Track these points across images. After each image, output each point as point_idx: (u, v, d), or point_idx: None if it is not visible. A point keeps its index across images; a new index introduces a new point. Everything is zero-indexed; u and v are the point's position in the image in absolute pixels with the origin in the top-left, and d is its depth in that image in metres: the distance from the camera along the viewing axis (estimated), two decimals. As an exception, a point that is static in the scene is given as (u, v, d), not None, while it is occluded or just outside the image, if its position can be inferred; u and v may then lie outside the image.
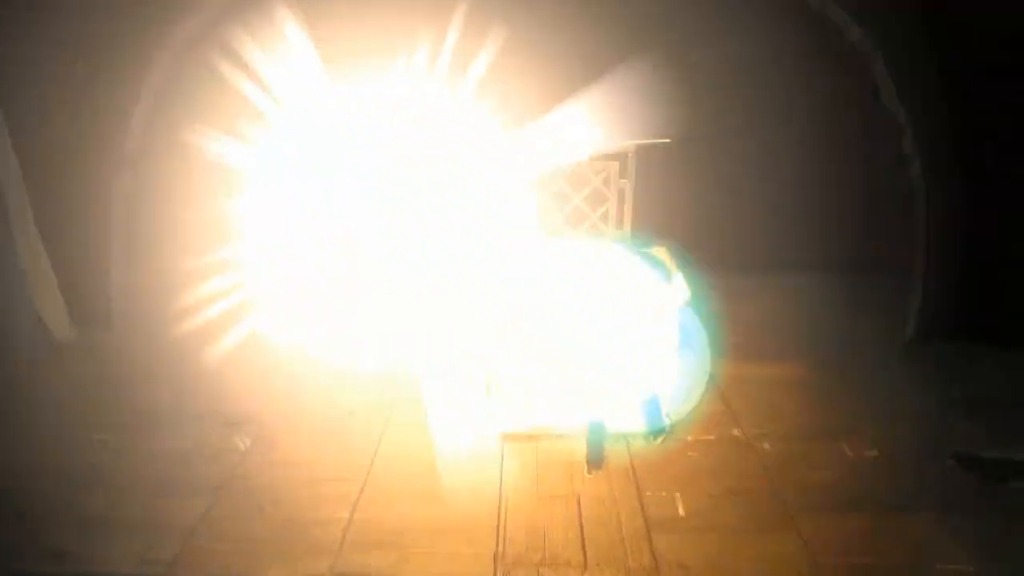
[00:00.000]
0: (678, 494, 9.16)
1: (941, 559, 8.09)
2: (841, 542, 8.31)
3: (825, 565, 7.95)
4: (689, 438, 10.34)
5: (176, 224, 16.56)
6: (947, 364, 12.49)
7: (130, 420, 10.60)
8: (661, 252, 10.17)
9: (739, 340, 11.83)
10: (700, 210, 11.78)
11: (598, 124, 12.96)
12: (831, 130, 15.57)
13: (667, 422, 10.33)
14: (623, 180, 10.41)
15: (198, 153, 16.10)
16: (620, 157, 10.43)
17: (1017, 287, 12.56)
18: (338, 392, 11.54)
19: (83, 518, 8.60)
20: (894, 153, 13.05)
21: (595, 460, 9.60)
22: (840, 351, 13.03)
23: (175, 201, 16.42)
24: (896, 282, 13.57)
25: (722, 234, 14.35)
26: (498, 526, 8.59)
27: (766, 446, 10.18)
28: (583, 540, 8.36)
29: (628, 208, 10.47)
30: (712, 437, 10.43)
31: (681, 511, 8.88)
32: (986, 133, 11.93)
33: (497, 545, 8.27)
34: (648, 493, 9.19)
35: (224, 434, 10.30)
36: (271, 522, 8.59)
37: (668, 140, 10.24)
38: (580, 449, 9.93)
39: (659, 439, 10.09)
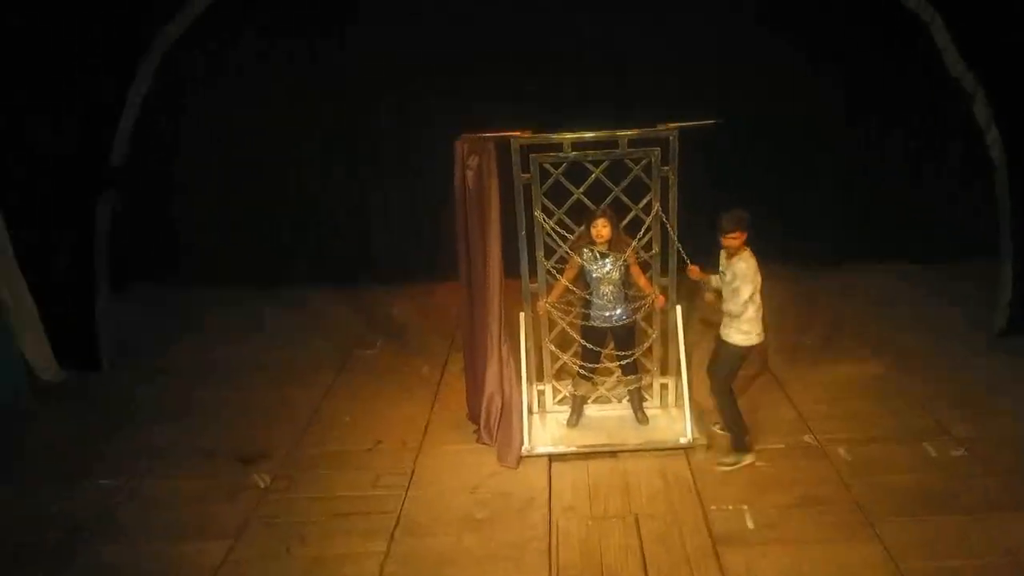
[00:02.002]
0: (746, 507, 9.76)
1: (1039, 558, 8.69)
2: (926, 546, 8.88)
3: (909, 570, 8.52)
4: (756, 447, 10.88)
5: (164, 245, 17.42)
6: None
7: (135, 462, 11.22)
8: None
9: (810, 339, 12.21)
10: (760, 199, 12.14)
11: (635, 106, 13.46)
12: (895, 101, 16.32)
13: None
14: (666, 167, 10.94)
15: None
16: (661, 142, 10.98)
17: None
18: (364, 419, 12.24)
19: (98, 567, 9.19)
20: (967, 126, 13.68)
21: None
22: (923, 346, 13.64)
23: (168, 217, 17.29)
24: (983, 268, 14.18)
25: (788, 225, 14.84)
26: (549, 550, 9.17)
27: (841, 451, 10.76)
28: (644, 560, 8.93)
29: (673, 198, 10.92)
30: (782, 445, 11.04)
31: (750, 524, 9.47)
32: None
33: (550, 571, 8.85)
34: (713, 507, 9.78)
35: (240, 471, 10.93)
36: (299, 561, 9.18)
37: (715, 121, 10.50)
38: (635, 466, 10.63)
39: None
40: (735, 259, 10.19)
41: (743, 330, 10.38)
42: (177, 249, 17.68)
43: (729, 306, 10.30)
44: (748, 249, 10.22)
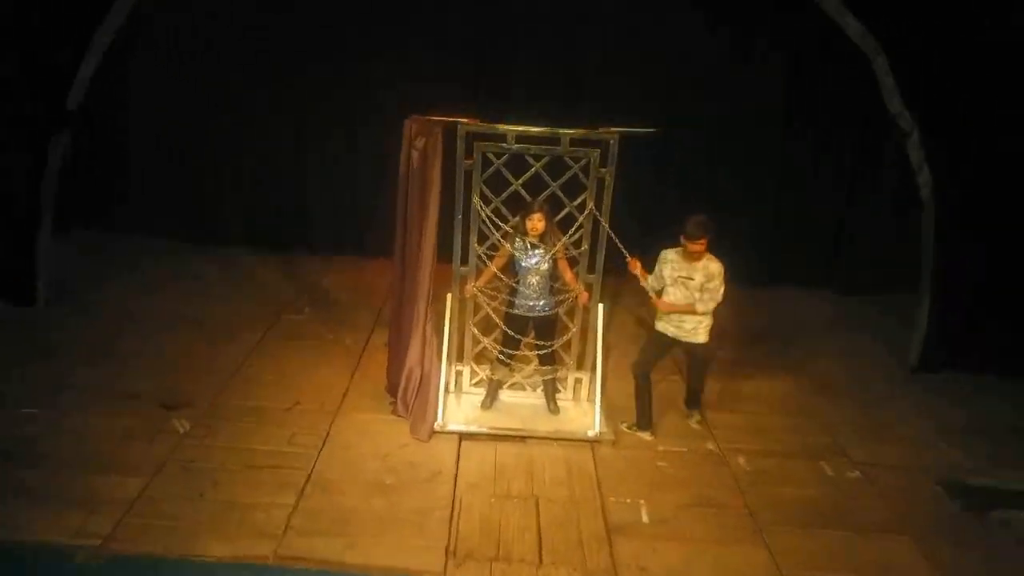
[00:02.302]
0: (643, 501, 10.17)
1: (913, 580, 9.16)
2: (810, 557, 9.32)
3: None
4: (660, 448, 11.40)
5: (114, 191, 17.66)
6: (948, 391, 13.55)
7: (58, 396, 11.58)
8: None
9: (726, 352, 12.65)
10: (686, 209, 12.58)
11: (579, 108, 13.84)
12: (835, 136, 16.93)
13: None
14: (603, 169, 11.39)
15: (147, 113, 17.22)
16: (601, 144, 11.23)
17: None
18: (285, 380, 12.62)
19: (18, 490, 9.52)
20: (902, 162, 14.11)
21: None
22: (837, 372, 14.13)
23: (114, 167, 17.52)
24: (908, 303, 14.56)
25: (721, 238, 15.53)
26: (450, 520, 9.56)
27: (741, 461, 11.20)
28: (540, 540, 9.32)
29: (607, 199, 11.33)
30: (684, 449, 11.46)
31: (645, 519, 9.87)
32: (1007, 147, 12.90)
33: (449, 539, 9.24)
34: (612, 499, 10.19)
35: (161, 416, 11.28)
36: (211, 504, 9.53)
37: (655, 130, 10.89)
38: (541, 453, 11.06)
39: None
40: (705, 261, 10.83)
41: (709, 328, 11.20)
42: (117, 198, 18.02)
43: (705, 306, 10.92)
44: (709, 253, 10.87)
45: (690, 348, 11.43)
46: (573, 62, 16.69)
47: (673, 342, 11.40)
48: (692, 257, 10.86)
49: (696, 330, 11.18)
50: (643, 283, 11.29)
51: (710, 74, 16.57)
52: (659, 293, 11.27)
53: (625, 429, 11.75)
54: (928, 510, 10.43)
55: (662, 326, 11.37)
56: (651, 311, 11.81)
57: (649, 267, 11.26)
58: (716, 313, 11.17)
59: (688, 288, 10.96)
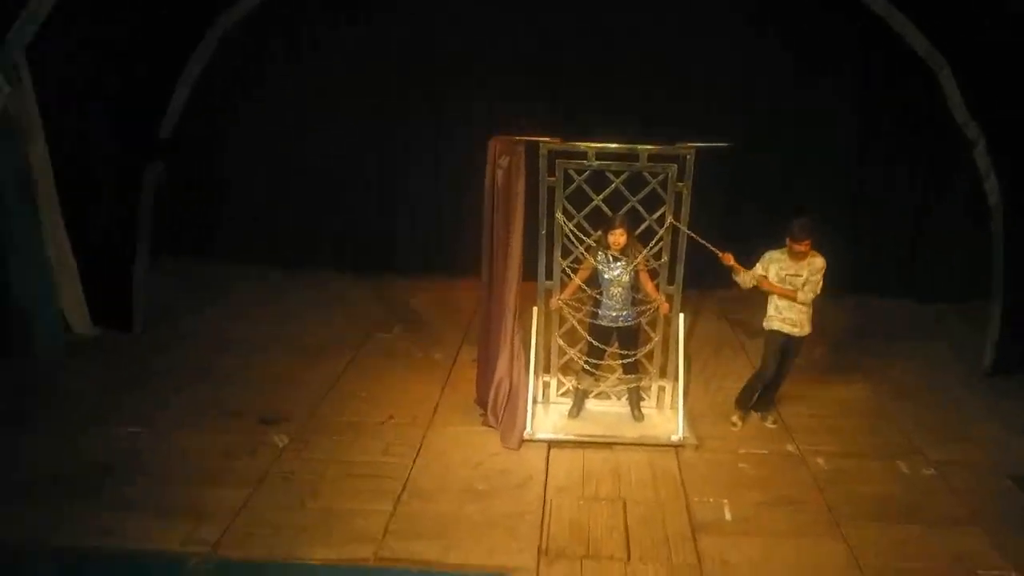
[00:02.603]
0: (725, 501, 10.64)
1: (984, 566, 9.49)
2: (886, 549, 9.75)
3: (868, 566, 9.39)
4: (741, 451, 11.87)
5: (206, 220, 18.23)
6: (1021, 393, 13.81)
7: (161, 414, 12.20)
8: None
9: (805, 360, 13.02)
10: (761, 221, 12.97)
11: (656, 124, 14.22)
12: (905, 147, 17.25)
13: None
14: (680, 183, 11.66)
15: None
16: (678, 159, 11.50)
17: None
18: (378, 395, 13.15)
19: (126, 502, 10.11)
20: (973, 171, 14.39)
21: None
22: (913, 377, 14.47)
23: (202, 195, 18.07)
24: (983, 310, 14.83)
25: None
26: (541, 523, 10.06)
27: (820, 461, 11.63)
28: (627, 539, 9.80)
29: (685, 212, 11.89)
30: (765, 451, 11.91)
31: (728, 516, 10.35)
32: None
33: (541, 540, 9.73)
34: (695, 499, 10.67)
35: (260, 431, 11.87)
36: (312, 512, 10.08)
37: (729, 145, 11.28)
38: (627, 458, 11.53)
39: None
40: (810, 258, 11.52)
41: (811, 319, 11.85)
42: (209, 226, 18.51)
43: (806, 296, 11.56)
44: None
45: (795, 344, 11.96)
46: (651, 81, 16.97)
47: (786, 338, 11.89)
48: (798, 257, 11.46)
49: (803, 323, 11.76)
50: (737, 276, 11.77)
51: (783, 89, 16.97)
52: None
53: (736, 422, 12.50)
54: (999, 503, 10.78)
55: (777, 325, 11.87)
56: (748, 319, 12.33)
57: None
58: (815, 306, 11.76)
59: (795, 286, 11.55)
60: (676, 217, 11.55)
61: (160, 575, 9.06)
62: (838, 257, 11.85)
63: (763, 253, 11.81)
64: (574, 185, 11.57)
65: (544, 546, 9.64)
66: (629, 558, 9.46)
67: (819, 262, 11.53)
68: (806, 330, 11.85)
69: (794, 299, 11.59)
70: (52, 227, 13.90)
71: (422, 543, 9.58)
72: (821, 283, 11.55)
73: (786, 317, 11.78)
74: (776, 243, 11.59)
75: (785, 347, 11.98)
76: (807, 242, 11.34)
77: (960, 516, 10.47)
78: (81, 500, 10.10)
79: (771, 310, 11.94)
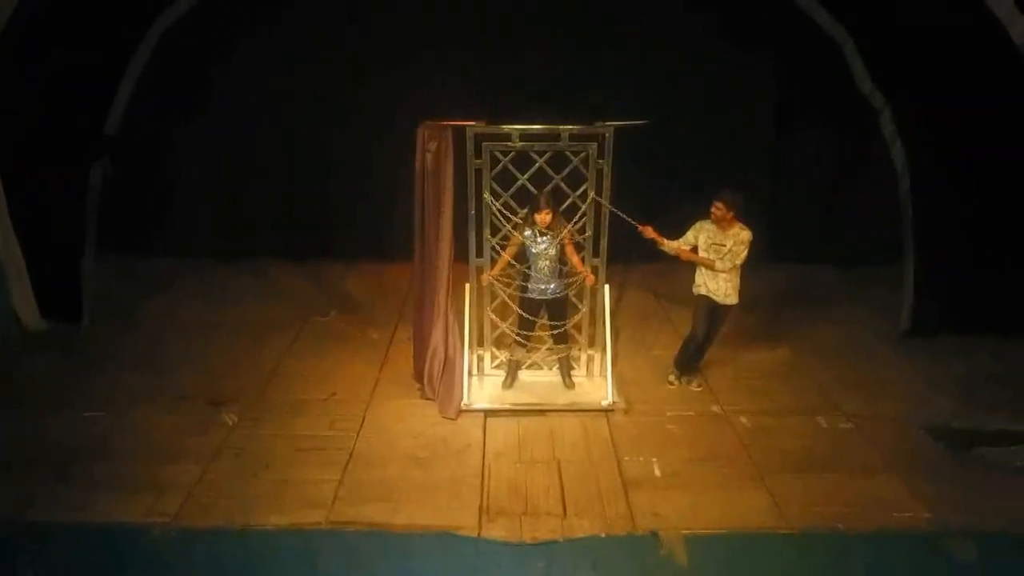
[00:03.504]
0: (654, 459, 11.27)
1: (898, 509, 10.17)
2: (807, 496, 10.42)
3: (790, 514, 10.04)
4: (668, 413, 12.49)
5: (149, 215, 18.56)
6: (936, 350, 14.49)
7: (116, 399, 12.63)
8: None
9: (727, 326, 13.58)
10: (679, 195, 13.56)
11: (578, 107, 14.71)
12: (818, 118, 17.82)
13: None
14: (600, 161, 12.00)
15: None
16: (598, 138, 11.93)
17: (1014, 273, 14.35)
18: (320, 375, 13.67)
19: (91, 480, 10.62)
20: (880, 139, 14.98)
21: None
22: (832, 339, 15.09)
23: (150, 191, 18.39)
24: (899, 273, 15.41)
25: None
26: (481, 484, 10.66)
27: (743, 420, 12.27)
28: (563, 496, 10.43)
29: (606, 188, 12.16)
30: (691, 413, 12.53)
31: (657, 473, 10.98)
32: (971, 115, 13.54)
33: (481, 500, 10.34)
34: (626, 458, 11.29)
35: (210, 411, 12.36)
36: (265, 483, 10.64)
37: (646, 122, 11.81)
38: (560, 423, 12.14)
39: None
40: (736, 229, 12.14)
41: (737, 289, 12.43)
42: (150, 222, 18.60)
43: (723, 264, 12.15)
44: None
45: (721, 311, 12.55)
46: (572, 63, 17.31)
47: (713, 305, 12.47)
48: (722, 225, 12.08)
49: (727, 292, 12.33)
50: (662, 246, 12.33)
51: (699, 65, 17.30)
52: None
53: (673, 380, 13.13)
54: (914, 452, 11.47)
55: (704, 291, 12.46)
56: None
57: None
58: (742, 276, 12.38)
59: (719, 254, 12.12)
60: (598, 193, 12.11)
61: (126, 545, 9.55)
62: (759, 227, 12.41)
63: (694, 223, 12.39)
64: (500, 166, 12.08)
65: (485, 505, 10.22)
66: (565, 514, 10.07)
67: (744, 235, 12.07)
68: (732, 299, 12.39)
69: (712, 268, 12.15)
70: (1, 223, 14.22)
71: (370, 507, 10.15)
72: (743, 255, 12.09)
73: (709, 286, 12.35)
74: (700, 216, 12.20)
75: (713, 313, 12.55)
76: (719, 205, 11.93)
77: (876, 465, 11.14)
78: (50, 479, 10.58)
79: (697, 278, 12.51)
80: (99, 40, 14.29)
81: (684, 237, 12.39)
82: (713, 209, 12.03)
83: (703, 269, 12.38)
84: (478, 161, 11.98)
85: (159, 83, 15.84)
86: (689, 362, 13.11)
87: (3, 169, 13.99)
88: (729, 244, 12.10)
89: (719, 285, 12.32)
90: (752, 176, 17.54)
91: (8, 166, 14.02)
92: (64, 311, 15.31)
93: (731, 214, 12.01)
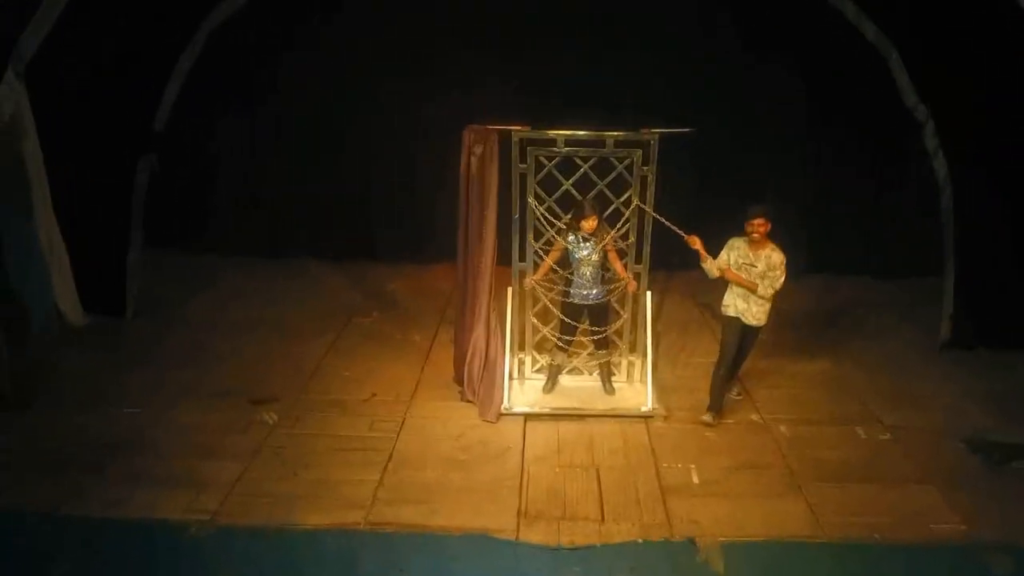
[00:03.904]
0: (693, 466, 11.28)
1: (936, 520, 10.16)
2: (844, 505, 10.41)
3: (827, 523, 10.04)
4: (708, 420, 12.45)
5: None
6: (975, 364, 14.45)
7: (157, 396, 12.75)
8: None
9: (768, 336, 13.56)
10: (725, 204, 13.55)
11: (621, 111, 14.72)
12: (859, 129, 17.77)
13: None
14: (645, 168, 12.07)
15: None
16: (643, 145, 12.00)
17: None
18: (361, 375, 13.75)
19: (130, 476, 10.68)
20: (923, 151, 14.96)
21: None
22: (872, 350, 15.08)
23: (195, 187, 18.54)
24: (938, 285, 15.34)
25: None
26: (520, 488, 10.69)
27: (782, 429, 12.28)
28: (601, 502, 10.45)
29: (650, 196, 12.21)
30: (731, 421, 12.56)
31: (695, 480, 11.00)
32: (1014, 129, 13.37)
33: (520, 503, 10.38)
34: (665, 465, 11.31)
35: (250, 410, 12.45)
36: (304, 482, 10.70)
37: (691, 130, 11.88)
38: (599, 429, 12.16)
39: None
40: (768, 251, 11.86)
41: (768, 312, 12.19)
42: (194, 218, 18.98)
43: (765, 291, 11.87)
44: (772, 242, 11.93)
45: (751, 333, 12.41)
46: (616, 70, 17.40)
47: (742, 325, 12.29)
48: (756, 246, 11.85)
49: (758, 315, 12.13)
50: (704, 263, 12.13)
51: (740, 77, 17.45)
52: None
53: (709, 420, 12.53)
54: (951, 464, 11.43)
55: (732, 312, 12.25)
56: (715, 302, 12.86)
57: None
58: (775, 299, 12.15)
59: (750, 274, 11.92)
60: (642, 200, 12.17)
61: (164, 541, 9.59)
62: (798, 238, 12.45)
63: (728, 239, 12.22)
64: (544, 171, 12.14)
65: (523, 509, 10.24)
66: (603, 519, 10.08)
67: (776, 258, 11.79)
68: (761, 320, 12.24)
69: (754, 291, 11.96)
70: (44, 220, 14.26)
71: (409, 508, 10.18)
72: (782, 279, 11.85)
73: (739, 306, 12.18)
74: (736, 228, 12.16)
75: (742, 334, 12.39)
76: (761, 220, 11.67)
77: (914, 476, 11.12)
78: (89, 475, 10.64)
79: (727, 298, 12.31)
80: (148, 37, 14.39)
81: (719, 258, 12.17)
82: (755, 225, 11.72)
83: (735, 288, 12.22)
84: (523, 165, 12.07)
85: (206, 81, 15.96)
86: (722, 393, 12.81)
87: (50, 164, 13.99)
88: (761, 266, 11.89)
89: (750, 306, 12.17)
90: (791, 187, 17.65)
91: (55, 161, 14.02)
92: (108, 305, 15.47)
93: (768, 227, 11.82)
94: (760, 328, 12.36)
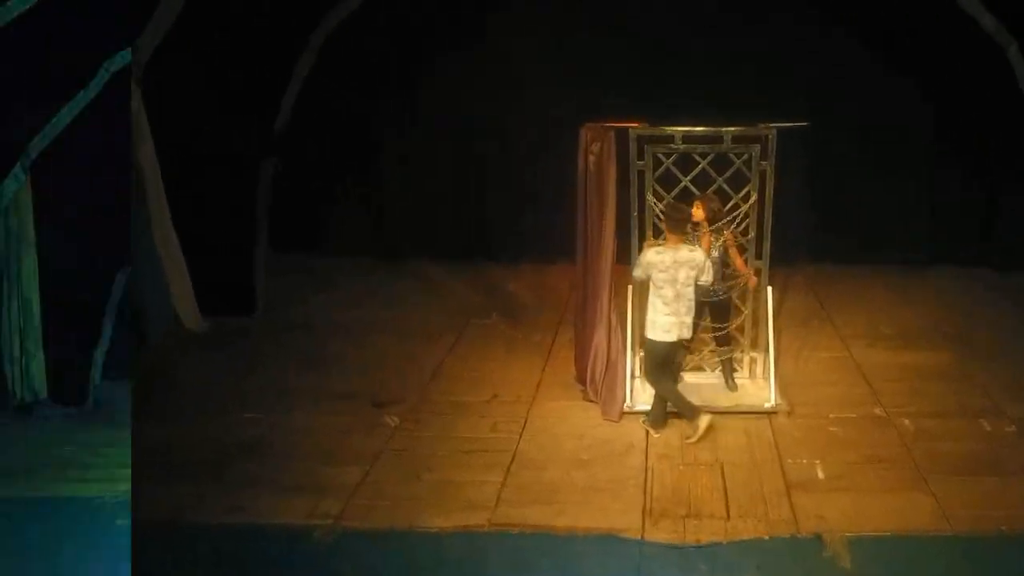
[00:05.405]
0: (818, 461, 11.20)
1: (1070, 514, 10.03)
2: (970, 499, 10.23)
3: (954, 516, 9.85)
4: (831, 415, 12.46)
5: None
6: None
7: (277, 400, 12.91)
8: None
9: (890, 329, 13.50)
10: (845, 197, 13.45)
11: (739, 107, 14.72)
12: (977, 121, 17.56)
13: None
14: (764, 162, 12.02)
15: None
16: (761, 139, 11.99)
17: None
18: (482, 376, 13.84)
19: (252, 481, 10.73)
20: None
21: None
22: (993, 341, 14.98)
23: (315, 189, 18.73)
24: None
25: (867, 224, 16.10)
26: (644, 486, 10.64)
27: (906, 422, 12.16)
28: (726, 499, 10.38)
29: (769, 190, 12.10)
30: (854, 415, 12.47)
31: (821, 475, 10.92)
32: None
33: (644, 501, 10.31)
34: (789, 460, 11.24)
35: (372, 412, 12.54)
36: (428, 485, 10.69)
37: (807, 124, 11.83)
38: (723, 425, 12.04)
39: None
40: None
41: None
42: (307, 220, 19.19)
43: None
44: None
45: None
46: (727, 66, 17.50)
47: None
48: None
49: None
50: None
51: (855, 71, 17.42)
52: None
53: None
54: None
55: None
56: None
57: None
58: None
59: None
60: (761, 195, 12.16)
61: (287, 546, 9.59)
62: (920, 231, 12.28)
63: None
64: (662, 168, 12.12)
65: (648, 507, 10.15)
66: (729, 516, 10.01)
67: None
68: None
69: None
70: (162, 226, 14.42)
71: (533, 509, 10.13)
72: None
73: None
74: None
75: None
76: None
77: (1043, 469, 10.96)
78: (210, 481, 10.70)
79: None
80: (266, 41, 14.66)
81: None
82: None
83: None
84: (640, 163, 12.06)
85: (324, 84, 16.14)
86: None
87: (170, 170, 14.16)
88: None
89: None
90: (911, 181, 17.53)
91: (175, 166, 14.21)
92: (236, 306, 15.75)
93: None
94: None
